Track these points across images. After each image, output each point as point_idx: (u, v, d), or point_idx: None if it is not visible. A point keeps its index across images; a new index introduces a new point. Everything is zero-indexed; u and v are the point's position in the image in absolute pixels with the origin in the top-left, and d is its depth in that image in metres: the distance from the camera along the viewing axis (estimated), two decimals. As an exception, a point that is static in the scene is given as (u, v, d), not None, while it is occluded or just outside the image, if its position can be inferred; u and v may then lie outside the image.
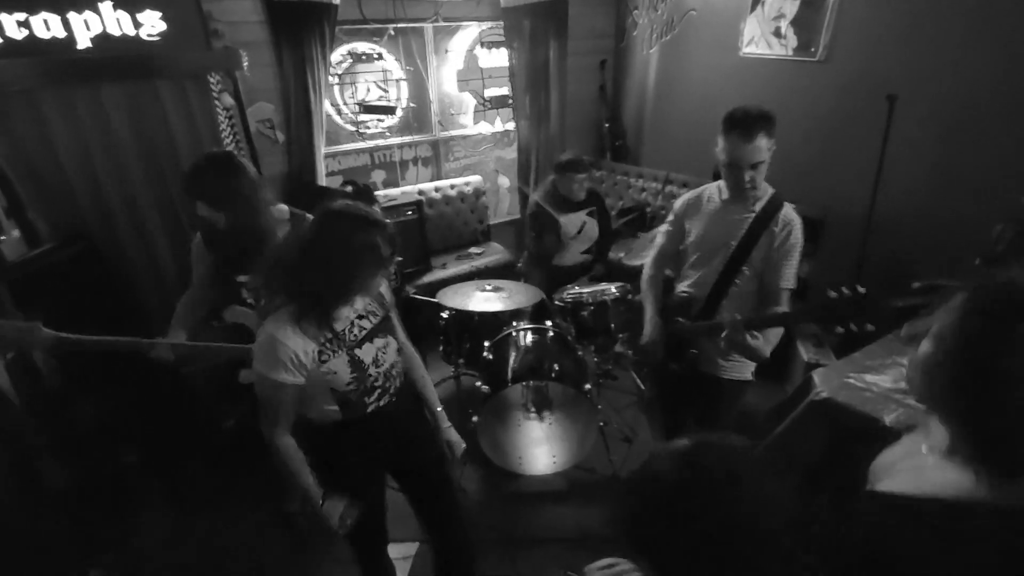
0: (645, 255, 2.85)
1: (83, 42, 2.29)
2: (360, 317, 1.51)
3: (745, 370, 1.95)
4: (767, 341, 1.76)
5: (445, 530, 1.89)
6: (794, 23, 3.21)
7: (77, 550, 2.23)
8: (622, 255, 3.69)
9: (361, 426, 1.54)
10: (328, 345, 1.42)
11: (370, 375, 1.50)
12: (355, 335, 1.48)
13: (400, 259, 3.31)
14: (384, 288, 1.60)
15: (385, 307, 1.60)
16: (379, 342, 1.54)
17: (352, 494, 1.56)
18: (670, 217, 2.05)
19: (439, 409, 1.79)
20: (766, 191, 1.79)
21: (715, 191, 1.90)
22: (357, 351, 1.47)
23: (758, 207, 1.78)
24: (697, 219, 1.93)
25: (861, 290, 1.45)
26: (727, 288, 1.85)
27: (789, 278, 1.77)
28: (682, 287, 2.00)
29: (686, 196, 2.00)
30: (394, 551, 2.31)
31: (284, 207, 1.98)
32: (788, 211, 1.77)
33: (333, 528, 1.51)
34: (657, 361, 2.01)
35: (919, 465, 0.86)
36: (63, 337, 1.71)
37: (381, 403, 1.56)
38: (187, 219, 2.73)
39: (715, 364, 1.94)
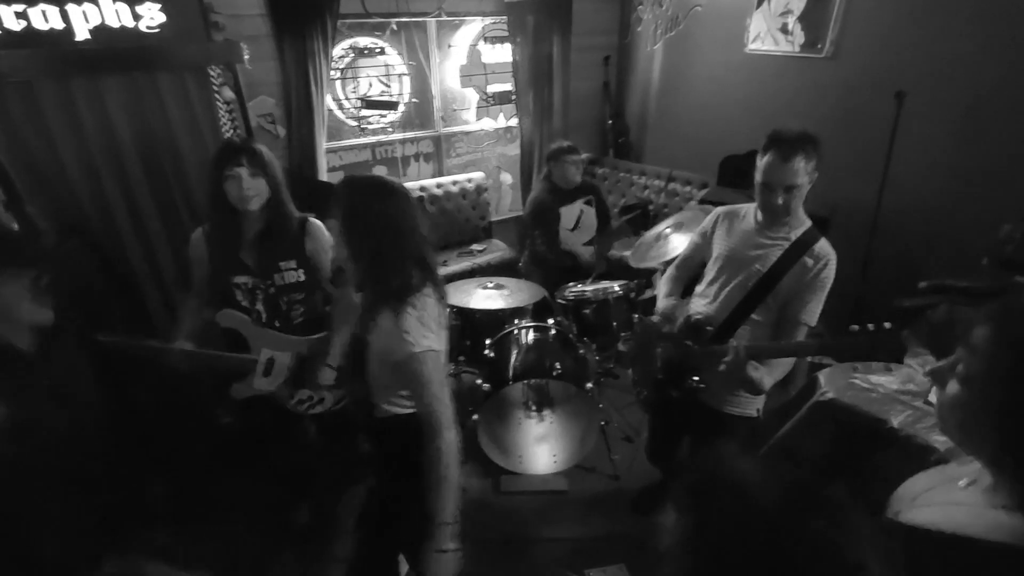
0: (649, 255, 2.84)
1: (81, 34, 2.26)
2: None
3: (750, 405, 1.85)
4: (769, 373, 1.65)
5: None
6: (801, 19, 3.17)
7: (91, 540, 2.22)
8: (626, 253, 3.66)
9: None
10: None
11: None
12: None
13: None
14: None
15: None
16: None
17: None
18: (700, 228, 1.97)
19: (441, 522, 1.42)
20: (803, 221, 1.71)
21: (751, 211, 1.79)
22: None
23: (793, 236, 1.69)
24: (728, 236, 1.84)
25: (886, 325, 1.39)
26: (746, 316, 1.75)
27: (812, 314, 1.67)
28: (698, 307, 1.90)
29: (721, 209, 1.90)
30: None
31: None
32: (825, 245, 1.68)
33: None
34: (655, 371, 1.96)
35: (956, 501, 0.80)
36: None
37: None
38: (188, 214, 2.71)
39: (718, 397, 1.85)
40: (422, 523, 1.33)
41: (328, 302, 2.05)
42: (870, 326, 1.40)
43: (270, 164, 1.84)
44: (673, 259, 2.79)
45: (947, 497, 0.83)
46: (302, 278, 1.94)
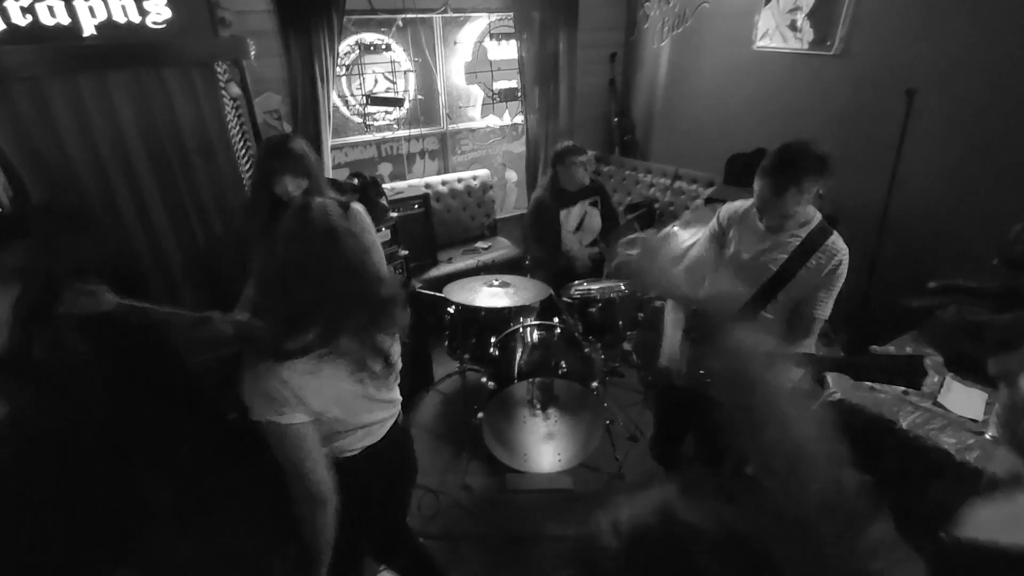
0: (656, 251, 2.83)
1: (88, 29, 2.26)
2: None
3: None
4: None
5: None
6: (810, 16, 3.14)
7: (101, 549, 2.23)
8: (631, 252, 3.65)
9: None
10: None
11: None
12: None
13: (406, 252, 3.30)
14: None
15: None
16: None
17: None
18: (708, 229, 1.94)
19: None
20: (813, 216, 1.69)
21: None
22: None
23: (804, 232, 1.67)
24: (737, 234, 1.82)
25: (909, 350, 1.38)
26: (757, 313, 1.74)
27: (825, 309, 1.68)
28: None
29: (731, 206, 1.88)
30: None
31: None
32: (837, 240, 1.66)
33: None
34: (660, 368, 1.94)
35: None
36: (127, 304, 1.72)
37: None
38: (195, 210, 2.71)
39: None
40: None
41: None
42: (891, 348, 1.39)
43: (310, 164, 1.95)
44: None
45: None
46: None
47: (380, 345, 1.32)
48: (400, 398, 1.56)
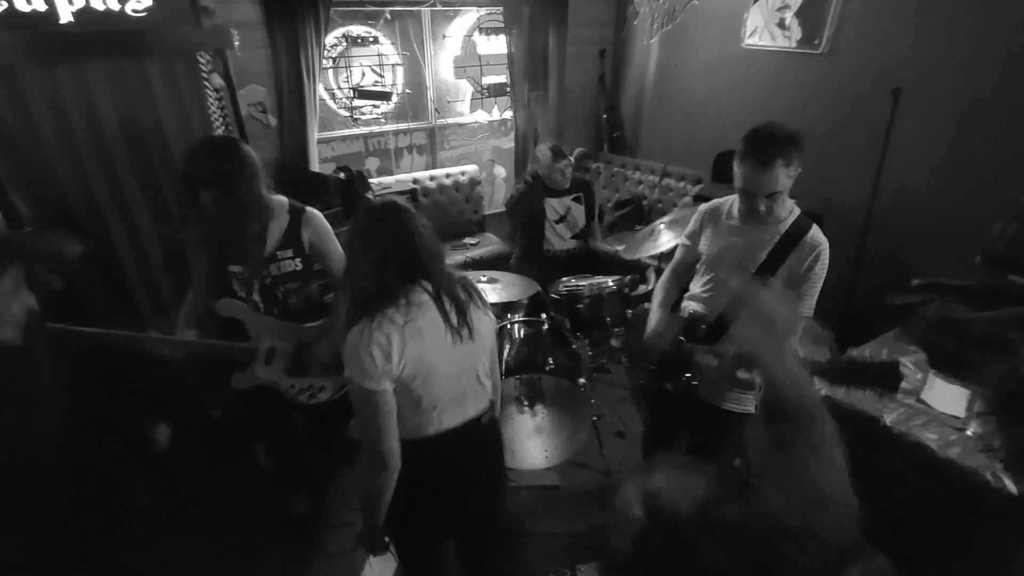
0: (642, 248, 2.83)
1: (65, 16, 2.20)
2: None
3: (748, 402, 1.83)
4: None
5: None
6: (799, 14, 3.15)
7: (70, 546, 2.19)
8: (619, 248, 3.65)
9: None
10: None
11: None
12: None
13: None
14: None
15: None
16: None
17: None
18: (688, 229, 1.93)
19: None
20: (791, 210, 1.68)
21: (734, 205, 1.76)
22: None
23: (782, 228, 1.66)
24: (715, 234, 1.81)
25: (887, 358, 1.37)
26: (739, 313, 1.75)
27: (808, 306, 1.66)
28: (691, 303, 1.89)
29: (705, 207, 1.88)
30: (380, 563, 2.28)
31: (283, 199, 1.91)
32: (816, 233, 1.64)
33: None
34: (649, 363, 1.93)
35: None
36: (58, 328, 1.67)
37: None
38: (176, 205, 2.67)
39: (717, 393, 1.83)
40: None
41: (326, 291, 2.03)
42: (868, 354, 1.39)
43: (236, 183, 1.74)
44: (664, 252, 2.82)
45: None
46: (299, 267, 1.91)
47: (462, 304, 1.39)
48: (493, 398, 1.56)
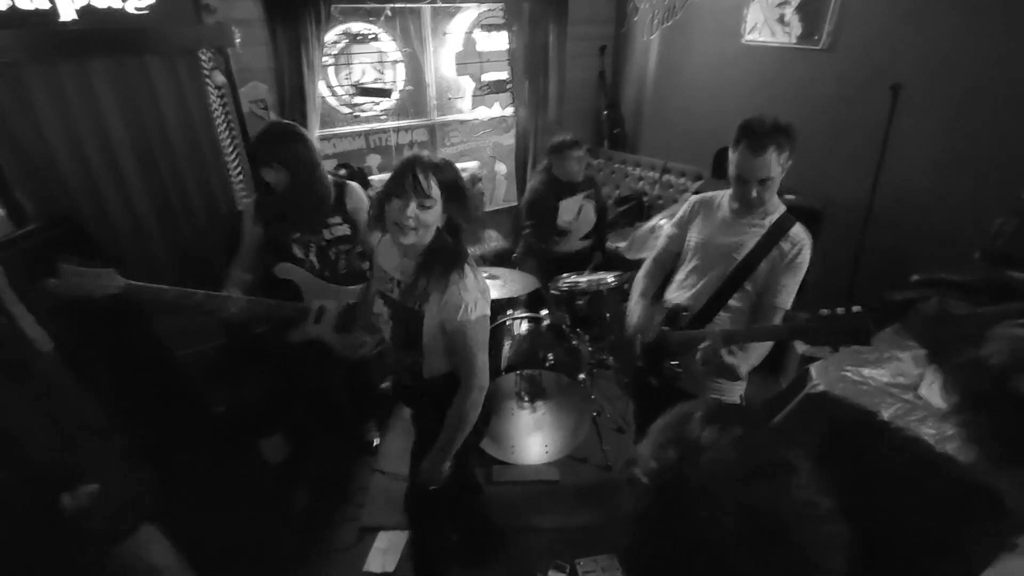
0: (646, 246, 2.84)
1: (67, 14, 2.22)
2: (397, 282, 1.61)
3: (732, 392, 1.85)
4: (745, 359, 1.65)
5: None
6: (799, 10, 3.15)
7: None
8: (620, 245, 3.66)
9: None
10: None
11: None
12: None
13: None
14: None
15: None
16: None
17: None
18: (676, 218, 1.95)
19: (441, 447, 1.64)
20: (777, 207, 1.72)
21: (726, 198, 1.80)
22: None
23: (768, 222, 1.70)
24: (704, 224, 1.84)
25: (856, 309, 1.40)
26: (724, 303, 1.76)
27: (788, 298, 1.69)
28: (674, 294, 1.90)
29: (697, 198, 1.90)
30: (383, 540, 2.31)
31: (327, 175, 2.14)
32: (799, 230, 1.70)
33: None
34: (634, 358, 1.94)
35: None
36: (136, 285, 1.79)
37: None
38: (178, 199, 2.68)
39: (699, 383, 1.84)
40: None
41: (365, 256, 2.24)
42: (839, 310, 1.42)
43: (290, 156, 1.98)
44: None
45: None
46: (348, 232, 2.16)
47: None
48: None
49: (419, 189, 1.41)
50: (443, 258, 1.51)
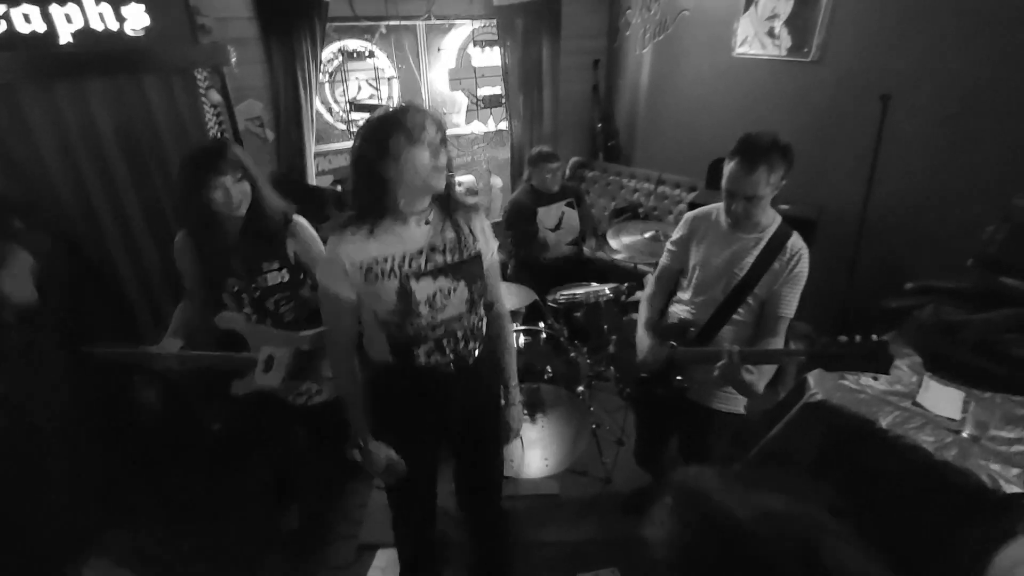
0: (639, 253, 2.85)
1: (64, 37, 2.23)
2: (432, 249, 1.42)
3: (738, 403, 1.87)
4: (761, 375, 1.67)
5: (480, 510, 1.91)
6: (788, 23, 3.20)
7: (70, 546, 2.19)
8: (616, 256, 3.67)
9: (412, 381, 1.52)
10: (378, 265, 1.38)
11: (419, 315, 1.43)
12: (418, 265, 1.41)
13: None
14: (484, 233, 1.54)
15: (475, 250, 1.50)
16: (444, 283, 1.44)
17: (396, 449, 1.56)
18: (675, 237, 1.96)
19: (513, 384, 1.73)
20: (773, 218, 1.75)
21: (721, 213, 1.81)
22: (412, 282, 1.41)
23: (766, 235, 1.72)
24: (703, 240, 1.85)
25: (875, 338, 1.40)
26: (729, 316, 1.78)
27: (790, 307, 1.71)
28: (679, 310, 1.92)
29: (693, 214, 1.92)
30: (382, 558, 2.29)
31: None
32: (796, 240, 1.72)
33: (373, 473, 1.56)
34: (638, 379, 1.95)
35: None
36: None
37: (434, 360, 1.49)
38: (175, 216, 2.68)
39: (708, 394, 1.86)
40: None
41: (308, 305, 2.00)
42: (858, 337, 1.41)
43: (248, 164, 1.81)
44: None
45: None
46: (286, 279, 1.92)
47: None
48: None
49: (438, 132, 1.34)
50: (455, 198, 1.48)
